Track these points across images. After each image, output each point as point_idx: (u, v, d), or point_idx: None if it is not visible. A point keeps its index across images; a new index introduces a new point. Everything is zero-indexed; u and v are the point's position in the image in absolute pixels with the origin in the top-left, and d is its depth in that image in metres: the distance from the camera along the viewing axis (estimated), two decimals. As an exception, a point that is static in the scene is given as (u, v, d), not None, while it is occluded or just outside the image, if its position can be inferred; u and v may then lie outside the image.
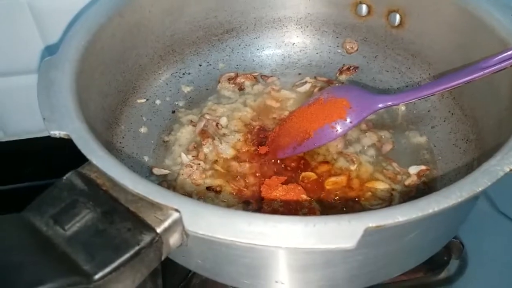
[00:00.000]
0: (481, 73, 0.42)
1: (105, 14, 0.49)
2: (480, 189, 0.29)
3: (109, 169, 0.31)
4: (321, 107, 0.48)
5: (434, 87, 0.44)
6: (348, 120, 0.47)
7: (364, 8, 0.60)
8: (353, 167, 0.51)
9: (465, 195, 0.28)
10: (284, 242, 0.26)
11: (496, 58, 0.42)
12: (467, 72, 0.43)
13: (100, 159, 0.32)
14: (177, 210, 0.29)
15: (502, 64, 0.41)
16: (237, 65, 0.65)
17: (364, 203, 0.48)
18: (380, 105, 0.46)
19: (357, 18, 0.61)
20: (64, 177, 0.34)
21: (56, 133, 0.34)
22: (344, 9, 0.61)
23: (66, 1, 0.60)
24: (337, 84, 0.61)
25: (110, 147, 0.48)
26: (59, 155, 0.37)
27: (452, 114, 0.55)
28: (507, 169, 0.30)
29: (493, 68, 0.41)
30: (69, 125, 0.35)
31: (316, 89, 0.61)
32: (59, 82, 0.39)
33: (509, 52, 0.41)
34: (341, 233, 0.26)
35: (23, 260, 0.28)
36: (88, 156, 0.32)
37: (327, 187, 0.49)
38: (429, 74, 0.58)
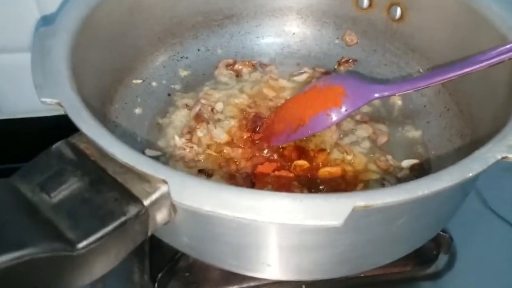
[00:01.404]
0: (478, 65, 0.41)
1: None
2: (471, 174, 0.29)
3: (98, 138, 0.31)
4: (317, 94, 0.48)
5: (431, 78, 0.44)
6: (344, 108, 0.47)
7: (365, 0, 0.60)
8: (347, 158, 0.51)
9: (455, 179, 0.28)
10: (271, 216, 0.26)
11: (494, 52, 0.41)
12: (464, 65, 0.42)
13: (90, 128, 0.32)
14: (164, 181, 0.29)
15: (499, 57, 0.41)
16: (235, 52, 0.64)
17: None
18: (376, 95, 0.46)
19: (358, 10, 0.61)
20: (53, 146, 0.33)
21: (48, 100, 0.34)
22: (346, 1, 0.61)
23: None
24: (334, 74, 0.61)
25: (104, 123, 0.48)
26: (55, 135, 0.36)
27: (448, 109, 0.54)
28: (499, 156, 0.30)
29: (491, 61, 0.41)
30: (61, 93, 0.35)
31: (313, 80, 0.61)
32: (55, 51, 0.38)
33: (508, 46, 0.41)
34: (328, 210, 0.26)
35: (7, 222, 0.28)
36: (78, 124, 0.32)
37: (321, 176, 0.49)
38: (427, 69, 0.58)
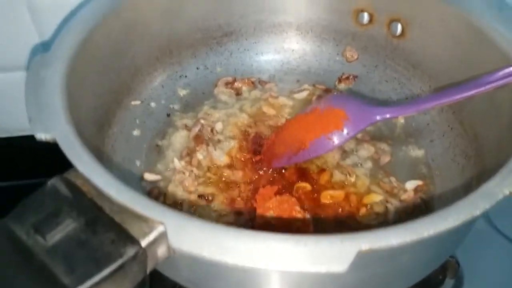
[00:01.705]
0: (483, 88, 0.41)
1: (101, 12, 0.48)
2: (478, 212, 0.28)
3: (94, 176, 0.30)
4: (318, 117, 0.47)
5: (434, 101, 0.43)
6: (345, 131, 0.46)
7: (365, 16, 0.59)
8: (350, 180, 0.50)
9: (462, 218, 0.27)
10: (273, 263, 0.25)
11: (499, 74, 0.40)
12: (468, 87, 0.42)
13: (85, 165, 0.31)
14: (162, 223, 0.28)
15: (505, 80, 0.40)
16: (235, 70, 0.64)
17: (360, 219, 0.47)
18: (378, 117, 0.45)
19: (358, 26, 0.60)
20: (49, 183, 0.33)
21: (42, 136, 0.33)
22: (346, 17, 0.60)
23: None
24: (335, 93, 0.61)
25: (101, 152, 0.47)
26: (52, 153, 0.35)
27: (452, 128, 0.54)
28: (507, 192, 0.29)
29: (496, 83, 0.40)
30: (56, 127, 0.34)
31: (314, 97, 0.60)
32: (49, 81, 0.37)
33: (512, 69, 0.40)
34: (332, 255, 0.25)
35: (1, 270, 0.27)
36: (73, 161, 0.31)
37: (323, 200, 0.48)
38: (430, 86, 0.57)
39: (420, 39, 0.56)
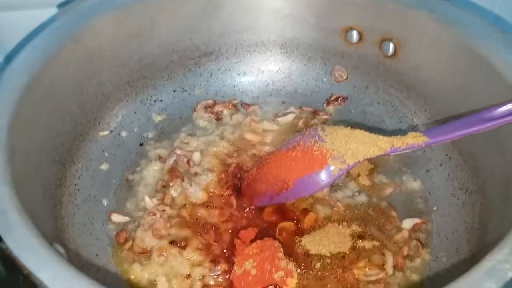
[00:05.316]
0: (484, 126, 0.36)
1: (56, 41, 0.43)
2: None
3: (25, 256, 0.25)
4: (301, 154, 0.42)
5: (429, 137, 0.38)
6: (332, 169, 0.41)
7: (355, 34, 0.54)
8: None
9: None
10: None
11: (502, 109, 0.36)
12: (467, 123, 0.37)
13: (17, 241, 0.26)
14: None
15: (508, 118, 0.35)
16: (215, 91, 0.59)
17: (357, 273, 0.42)
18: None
19: (347, 45, 0.55)
20: (-21, 255, 0.28)
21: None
22: (333, 35, 0.55)
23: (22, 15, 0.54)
24: (324, 116, 0.56)
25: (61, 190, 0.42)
26: None
27: (450, 158, 0.49)
28: (519, 270, 0.24)
29: (498, 121, 0.35)
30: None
31: (300, 121, 0.56)
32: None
33: (517, 104, 0.35)
34: None
35: None
36: (3, 236, 0.26)
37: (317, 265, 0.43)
38: (425, 110, 0.52)
39: (414, 60, 0.51)
